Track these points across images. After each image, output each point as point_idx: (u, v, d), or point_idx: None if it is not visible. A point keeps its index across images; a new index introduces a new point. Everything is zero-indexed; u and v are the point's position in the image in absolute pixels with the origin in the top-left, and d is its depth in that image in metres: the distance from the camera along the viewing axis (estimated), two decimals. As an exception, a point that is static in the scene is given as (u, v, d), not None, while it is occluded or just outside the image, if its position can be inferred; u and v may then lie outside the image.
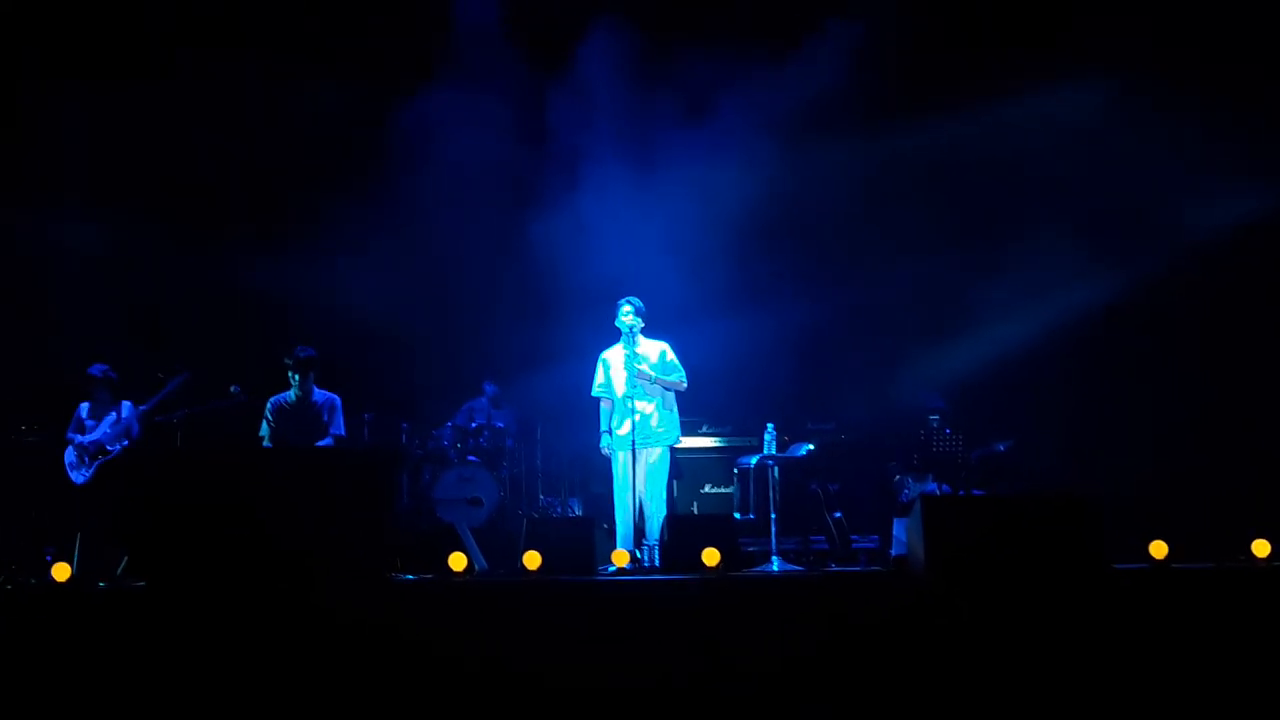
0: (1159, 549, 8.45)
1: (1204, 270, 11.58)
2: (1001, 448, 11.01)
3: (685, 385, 10.16)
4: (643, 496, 9.90)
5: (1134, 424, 11.49)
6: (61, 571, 8.35)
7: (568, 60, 12.44)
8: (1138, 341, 11.80)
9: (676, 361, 10.14)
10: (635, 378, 9.94)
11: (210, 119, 11.85)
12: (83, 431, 10.21)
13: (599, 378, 10.17)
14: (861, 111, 12.04)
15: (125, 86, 11.66)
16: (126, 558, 8.90)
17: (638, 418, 9.91)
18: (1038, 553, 7.74)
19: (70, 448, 10.18)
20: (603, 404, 10.19)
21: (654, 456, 10.05)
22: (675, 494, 11.35)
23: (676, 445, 10.34)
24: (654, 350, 10.11)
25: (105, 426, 10.19)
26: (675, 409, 10.21)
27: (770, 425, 10.50)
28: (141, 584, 8.05)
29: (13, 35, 11.65)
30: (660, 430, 10.07)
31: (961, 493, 10.48)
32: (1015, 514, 8.00)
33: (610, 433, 10.10)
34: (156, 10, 11.79)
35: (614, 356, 10.11)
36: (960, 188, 12.06)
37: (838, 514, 10.81)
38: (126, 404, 10.23)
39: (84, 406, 10.30)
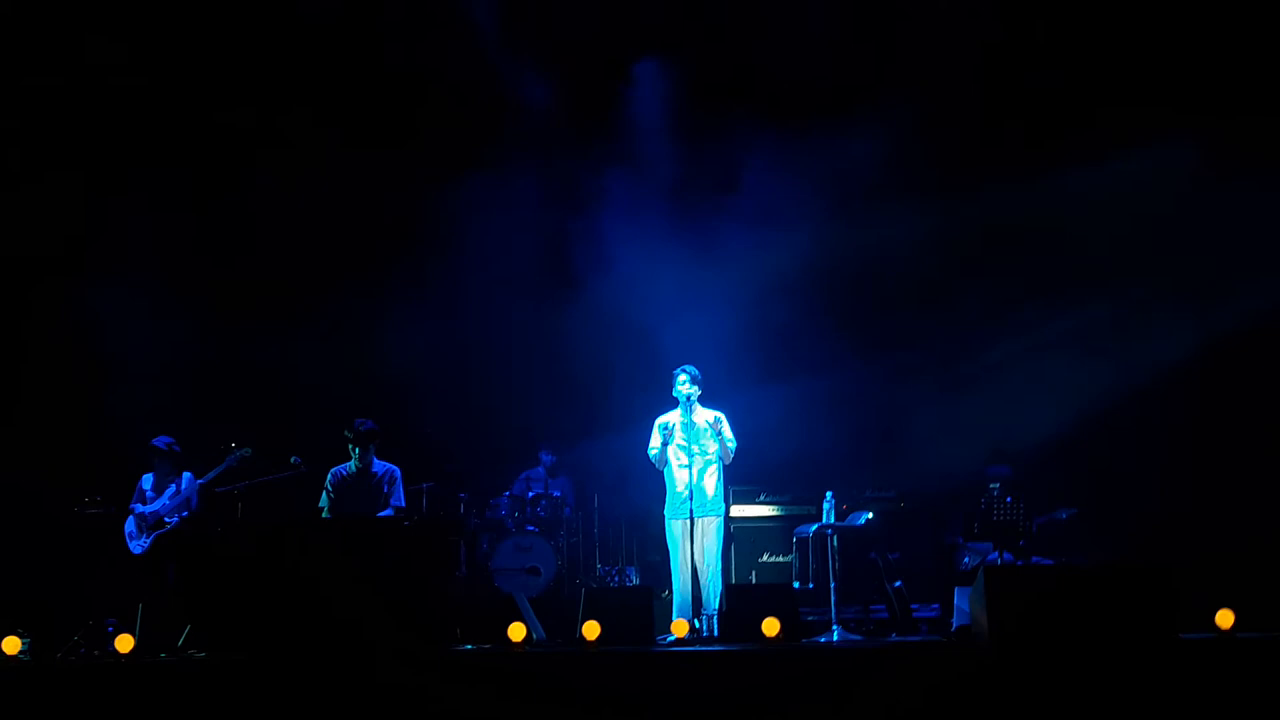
0: (1225, 618, 8.31)
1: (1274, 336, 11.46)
2: (1064, 516, 10.91)
3: (732, 457, 10.13)
4: (699, 565, 9.87)
5: (1198, 490, 11.32)
6: (125, 643, 8.42)
7: (617, 127, 12.53)
8: (1202, 408, 11.66)
9: (730, 433, 10.13)
10: (694, 443, 9.94)
11: (269, 200, 12.00)
12: (144, 502, 10.31)
13: (655, 440, 10.14)
14: (923, 175, 12.02)
15: (191, 164, 11.92)
16: (188, 629, 8.94)
17: (694, 478, 9.89)
18: (1105, 625, 7.62)
19: (131, 517, 10.27)
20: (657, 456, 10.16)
21: (710, 526, 10.02)
22: (733, 562, 11.33)
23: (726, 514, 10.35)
24: (704, 421, 10.10)
25: (165, 498, 10.27)
26: (723, 479, 10.23)
27: (829, 494, 10.46)
28: (202, 655, 8.10)
29: (93, 126, 11.93)
30: (715, 498, 10.06)
31: (1021, 562, 10.38)
32: (1082, 584, 7.90)
33: (666, 445, 10.06)
34: (224, 93, 12.02)
35: (670, 422, 10.11)
36: (1024, 253, 11.98)
37: (898, 583, 10.71)
38: (187, 475, 10.32)
39: (147, 478, 10.40)
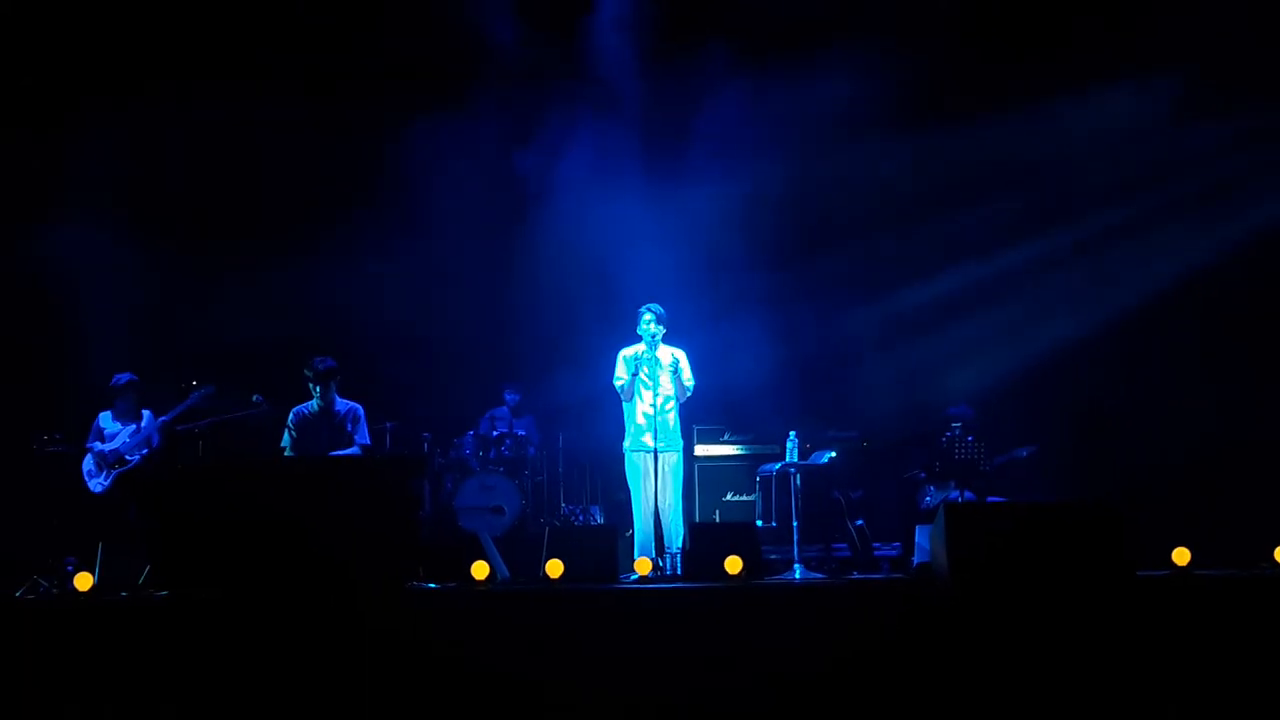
0: (1182, 556, 8.43)
1: (1232, 277, 11.51)
2: (1024, 453, 11.00)
3: (688, 395, 10.12)
4: (661, 503, 9.89)
5: (1156, 430, 11.41)
6: (84, 581, 8.39)
7: (585, 65, 12.40)
8: (1161, 347, 11.74)
9: (689, 373, 10.11)
10: (656, 380, 9.94)
11: (233, 137, 11.87)
12: (103, 440, 10.24)
13: (621, 371, 10.07)
14: (887, 113, 11.94)
15: (151, 103, 11.75)
16: (148, 568, 8.91)
17: (655, 413, 9.90)
18: (1062, 561, 7.69)
19: (89, 456, 10.19)
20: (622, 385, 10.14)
21: (672, 461, 10.03)
22: (696, 501, 11.37)
23: (690, 450, 10.37)
24: (670, 357, 10.09)
25: (125, 436, 10.21)
26: (682, 415, 10.25)
27: (792, 433, 10.48)
28: (163, 594, 8.08)
29: (45, 53, 11.75)
30: (675, 433, 10.07)
31: (987, 499, 10.47)
32: (1040, 522, 7.96)
33: (635, 376, 10.01)
34: (184, 34, 11.84)
35: (639, 353, 10.06)
36: (986, 191, 11.99)
37: (860, 521, 10.80)
38: (147, 413, 10.25)
39: (104, 415, 10.32)
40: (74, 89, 11.85)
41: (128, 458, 10.14)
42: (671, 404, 10.07)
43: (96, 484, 10.15)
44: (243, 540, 7.87)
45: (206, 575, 7.85)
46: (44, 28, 11.67)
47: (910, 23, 11.63)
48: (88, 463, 10.19)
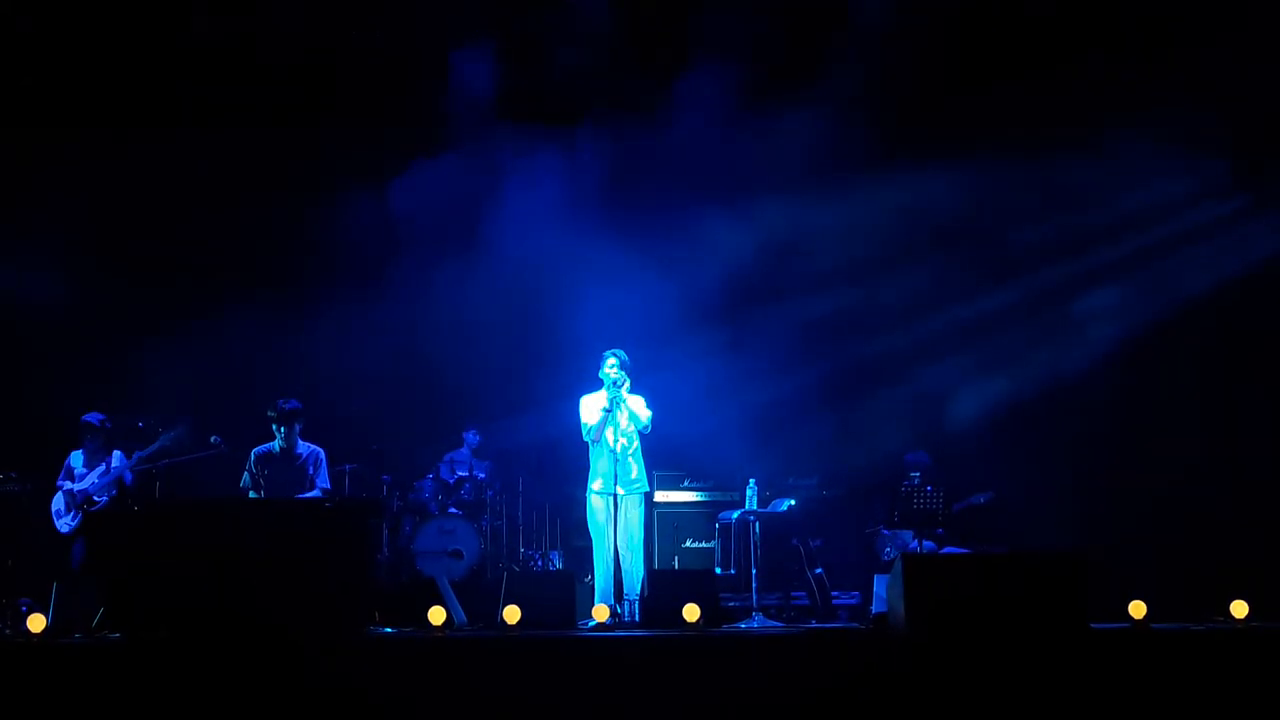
0: (1138, 609, 8.48)
1: (1196, 327, 11.63)
2: (982, 499, 11.03)
3: (648, 426, 10.05)
4: (621, 547, 9.84)
5: (1114, 482, 11.49)
6: (36, 623, 8.30)
7: (540, 99, 12.44)
8: (1122, 398, 11.82)
9: (644, 407, 10.06)
10: (617, 425, 9.90)
11: (198, 181, 11.93)
12: (73, 480, 10.17)
13: (591, 418, 9.98)
14: (848, 168, 12.01)
15: (120, 144, 11.76)
16: (103, 609, 8.82)
17: (618, 456, 9.85)
18: (1019, 611, 7.73)
19: (59, 494, 10.14)
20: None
21: (633, 505, 9.98)
22: (656, 548, 11.34)
23: (651, 495, 10.34)
24: (629, 401, 10.06)
25: (94, 476, 10.15)
26: (646, 459, 10.23)
27: (752, 480, 10.50)
28: (117, 636, 8.01)
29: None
30: (640, 477, 10.03)
31: (945, 550, 10.50)
32: (997, 572, 8.00)
33: (610, 414, 9.95)
34: (152, 77, 11.87)
35: (595, 402, 10.02)
36: (949, 242, 12.08)
37: (819, 570, 10.82)
38: (117, 453, 10.20)
39: (75, 455, 10.26)
40: (36, 125, 11.83)
41: (96, 498, 10.09)
42: (635, 444, 10.03)
43: (64, 524, 10.10)
44: (197, 583, 7.81)
45: (160, 618, 7.79)
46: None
47: (860, 82, 11.75)
48: (57, 501, 10.14)
